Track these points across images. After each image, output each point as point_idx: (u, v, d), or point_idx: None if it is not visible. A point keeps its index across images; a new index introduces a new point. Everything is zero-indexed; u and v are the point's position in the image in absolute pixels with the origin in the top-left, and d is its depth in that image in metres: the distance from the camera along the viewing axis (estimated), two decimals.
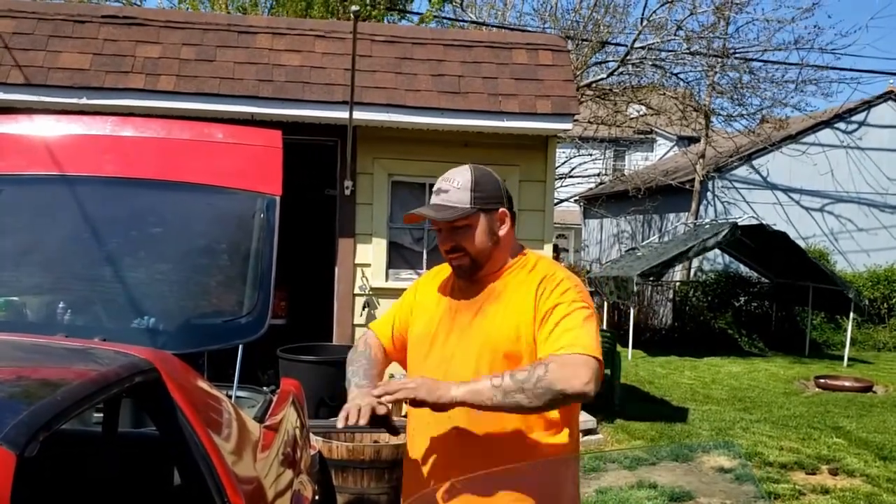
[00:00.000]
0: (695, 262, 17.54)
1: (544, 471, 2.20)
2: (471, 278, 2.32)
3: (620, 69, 15.79)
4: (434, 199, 2.30)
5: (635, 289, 13.20)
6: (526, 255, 2.36)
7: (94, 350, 2.34)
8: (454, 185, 2.27)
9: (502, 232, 2.30)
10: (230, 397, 2.82)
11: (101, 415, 2.86)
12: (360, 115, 6.73)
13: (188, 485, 2.18)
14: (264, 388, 3.23)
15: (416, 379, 2.11)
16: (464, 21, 16.39)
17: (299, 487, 2.96)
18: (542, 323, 2.18)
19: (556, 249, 18.59)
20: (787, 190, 18.42)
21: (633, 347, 13.75)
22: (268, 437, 2.72)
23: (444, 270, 2.47)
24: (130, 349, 2.31)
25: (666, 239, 16.90)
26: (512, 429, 2.18)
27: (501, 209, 2.31)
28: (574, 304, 2.18)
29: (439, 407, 2.05)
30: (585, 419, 7.81)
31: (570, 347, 2.08)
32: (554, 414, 2.21)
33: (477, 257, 2.28)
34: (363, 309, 7.15)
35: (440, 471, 2.23)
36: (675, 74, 16.90)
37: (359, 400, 2.12)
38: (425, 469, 2.28)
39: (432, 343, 2.32)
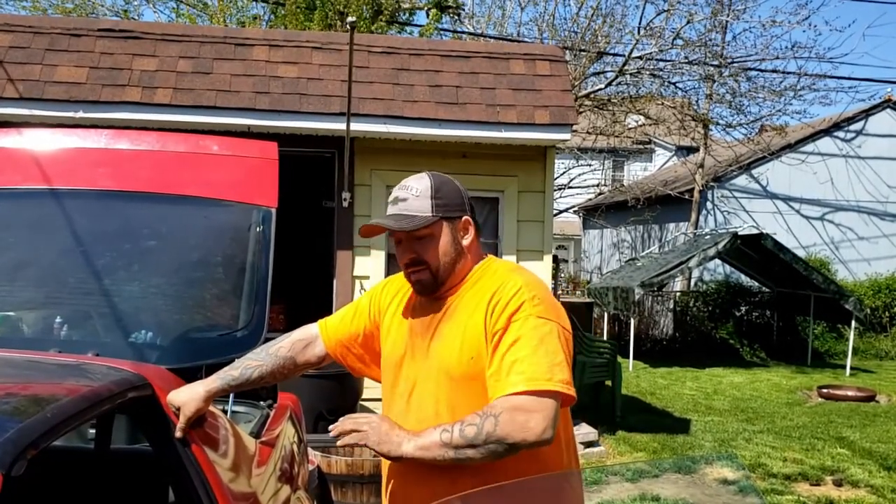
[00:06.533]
0: (695, 272, 17.51)
1: (542, 487, 2.10)
2: (431, 295, 2.14)
3: (618, 79, 15.81)
4: (391, 210, 2.12)
5: (636, 299, 13.17)
6: (485, 265, 2.18)
7: (86, 366, 2.31)
8: (412, 193, 2.11)
9: (466, 241, 2.14)
10: (226, 412, 2.78)
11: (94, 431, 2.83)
12: (357, 126, 6.70)
13: (183, 502, 2.14)
14: (261, 402, 3.19)
15: (372, 420, 1.98)
16: (462, 32, 16.43)
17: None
18: (492, 351, 1.98)
19: (555, 260, 18.55)
20: (786, 199, 18.43)
21: (634, 358, 13.71)
22: (264, 453, 2.68)
23: (402, 285, 2.28)
24: (123, 364, 2.28)
25: (666, 249, 16.89)
26: None
27: (465, 217, 2.15)
28: (528, 320, 1.96)
29: (391, 458, 1.97)
30: (587, 431, 7.76)
31: (522, 384, 1.88)
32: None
33: (438, 271, 2.10)
34: None
35: (424, 489, 2.04)
36: (673, 84, 16.93)
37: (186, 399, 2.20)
38: (406, 487, 2.13)
39: (398, 369, 2.17)
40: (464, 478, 1.93)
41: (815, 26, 22.63)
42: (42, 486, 2.74)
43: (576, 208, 24.99)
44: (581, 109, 15.59)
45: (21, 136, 3.34)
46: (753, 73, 16.97)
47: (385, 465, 2.22)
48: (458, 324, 2.08)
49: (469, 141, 7.00)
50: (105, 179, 3.13)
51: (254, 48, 7.02)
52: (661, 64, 16.15)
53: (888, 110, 18.76)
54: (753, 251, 14.37)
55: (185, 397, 2.20)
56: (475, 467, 1.95)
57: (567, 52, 13.89)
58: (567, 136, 7.11)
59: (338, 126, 6.68)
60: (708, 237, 14.79)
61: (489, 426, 1.86)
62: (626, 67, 15.49)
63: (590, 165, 21.00)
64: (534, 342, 1.94)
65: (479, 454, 1.87)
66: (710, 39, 16.48)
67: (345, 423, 1.96)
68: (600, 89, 16.07)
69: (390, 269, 7.22)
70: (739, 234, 13.71)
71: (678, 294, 17.41)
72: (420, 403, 2.09)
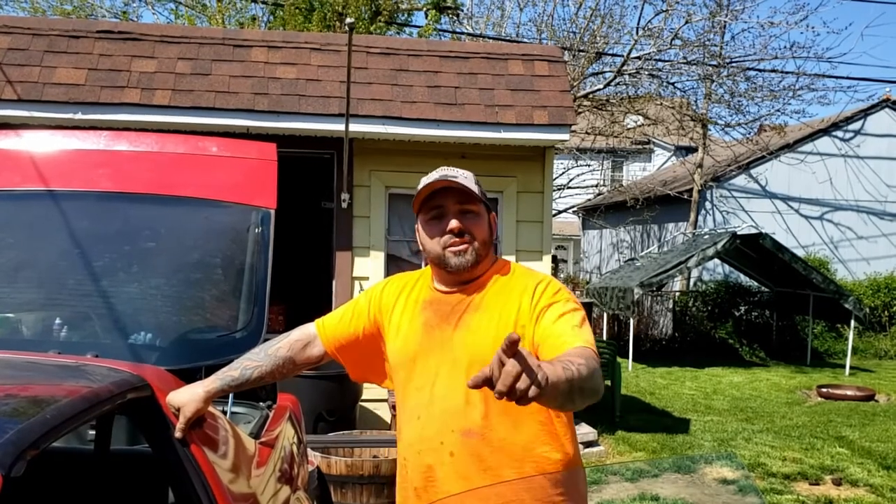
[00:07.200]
0: (694, 272, 17.50)
1: (549, 485, 2.10)
2: (460, 276, 2.16)
3: (617, 79, 15.82)
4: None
5: (635, 299, 13.17)
6: (503, 264, 2.25)
7: (85, 367, 2.31)
8: (461, 174, 2.17)
9: (494, 237, 2.25)
10: (225, 413, 2.78)
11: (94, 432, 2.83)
12: (356, 127, 6.71)
13: (182, 503, 2.14)
14: (260, 403, 3.19)
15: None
16: (461, 33, 16.43)
17: None
18: (540, 318, 2.03)
19: (554, 260, 18.55)
20: (785, 199, 18.43)
21: (634, 358, 13.70)
22: (264, 454, 2.68)
23: (405, 283, 2.32)
24: (123, 365, 2.28)
25: (665, 249, 16.89)
26: (520, 441, 2.04)
27: (493, 213, 2.25)
28: (569, 303, 2.07)
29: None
30: (586, 431, 7.76)
31: (587, 344, 1.89)
32: (560, 426, 2.09)
33: (480, 249, 2.14)
34: None
35: (437, 488, 2.08)
36: (672, 84, 16.94)
37: (186, 400, 2.17)
38: (421, 486, 2.13)
39: (413, 364, 2.16)
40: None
41: (814, 28, 22.65)
42: (42, 487, 2.74)
43: (575, 208, 24.99)
44: (580, 110, 15.61)
45: (20, 137, 3.34)
46: (752, 72, 17.02)
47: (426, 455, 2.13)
48: (489, 314, 2.11)
49: (468, 141, 7.01)
50: (104, 181, 3.12)
51: (252, 49, 7.03)
52: (660, 64, 16.17)
53: (887, 110, 18.77)
54: (752, 251, 14.36)
55: (185, 398, 2.20)
56: (516, 455, 2.04)
57: (566, 52, 13.89)
58: (566, 136, 7.12)
59: (336, 127, 6.68)
60: (707, 237, 14.78)
61: (590, 368, 1.71)
62: (624, 68, 15.50)
63: (588, 166, 21.01)
64: (578, 319, 2.02)
65: (579, 397, 1.68)
66: (709, 39, 16.51)
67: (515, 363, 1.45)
68: (599, 90, 16.08)
69: (389, 269, 7.23)
70: (738, 233, 13.70)
71: (677, 294, 17.41)
72: (446, 394, 2.08)
